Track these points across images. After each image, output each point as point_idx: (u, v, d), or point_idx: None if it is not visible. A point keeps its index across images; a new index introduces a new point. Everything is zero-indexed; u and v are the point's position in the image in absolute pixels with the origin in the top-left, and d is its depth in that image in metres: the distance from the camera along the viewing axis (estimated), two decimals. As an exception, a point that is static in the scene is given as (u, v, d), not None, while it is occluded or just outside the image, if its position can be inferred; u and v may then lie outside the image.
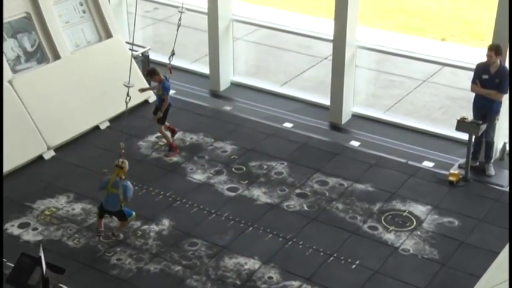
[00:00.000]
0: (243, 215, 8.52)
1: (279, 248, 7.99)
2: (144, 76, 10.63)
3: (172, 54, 9.24)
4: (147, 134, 10.22)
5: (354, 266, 7.74)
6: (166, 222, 8.38)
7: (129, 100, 7.80)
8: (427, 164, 9.55)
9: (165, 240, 8.09)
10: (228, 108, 11.03)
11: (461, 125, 9.03)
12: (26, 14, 9.98)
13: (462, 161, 9.34)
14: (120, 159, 7.84)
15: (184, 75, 11.88)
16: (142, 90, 9.79)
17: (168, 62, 9.26)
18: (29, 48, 10.08)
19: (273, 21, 11.67)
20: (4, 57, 9.64)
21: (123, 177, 7.86)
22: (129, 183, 7.89)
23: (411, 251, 7.97)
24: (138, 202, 8.70)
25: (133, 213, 8.06)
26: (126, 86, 7.76)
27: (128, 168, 7.91)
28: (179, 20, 8.83)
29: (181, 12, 8.89)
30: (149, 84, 10.40)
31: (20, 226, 8.31)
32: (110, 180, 7.86)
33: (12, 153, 9.24)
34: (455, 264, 7.75)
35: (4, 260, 6.80)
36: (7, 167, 9.16)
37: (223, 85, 11.63)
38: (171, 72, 9.37)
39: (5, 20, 9.74)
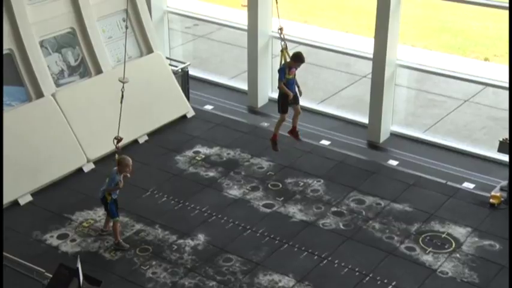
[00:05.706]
0: (278, 231, 8.48)
1: (313, 266, 7.92)
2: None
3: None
4: (185, 148, 10.29)
5: (389, 287, 7.60)
6: (201, 237, 8.40)
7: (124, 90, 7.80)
8: (468, 186, 9.36)
9: (200, 255, 8.10)
10: (265, 124, 11.04)
11: (504, 146, 8.83)
12: (71, 29, 10.23)
13: (504, 183, 9.12)
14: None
15: (222, 91, 11.97)
16: None
17: None
18: (73, 63, 10.31)
19: (312, 39, 11.67)
20: (48, 71, 9.88)
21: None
22: (117, 177, 7.99)
23: (450, 274, 7.79)
24: (174, 216, 8.77)
25: (117, 218, 8.14)
26: (121, 82, 7.96)
27: (125, 164, 7.96)
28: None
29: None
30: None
31: (59, 237, 8.44)
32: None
33: (53, 165, 9.43)
34: (495, 288, 7.56)
35: (42, 270, 6.92)
36: (48, 179, 9.36)
37: (261, 101, 11.65)
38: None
39: (50, 35, 10.01)
